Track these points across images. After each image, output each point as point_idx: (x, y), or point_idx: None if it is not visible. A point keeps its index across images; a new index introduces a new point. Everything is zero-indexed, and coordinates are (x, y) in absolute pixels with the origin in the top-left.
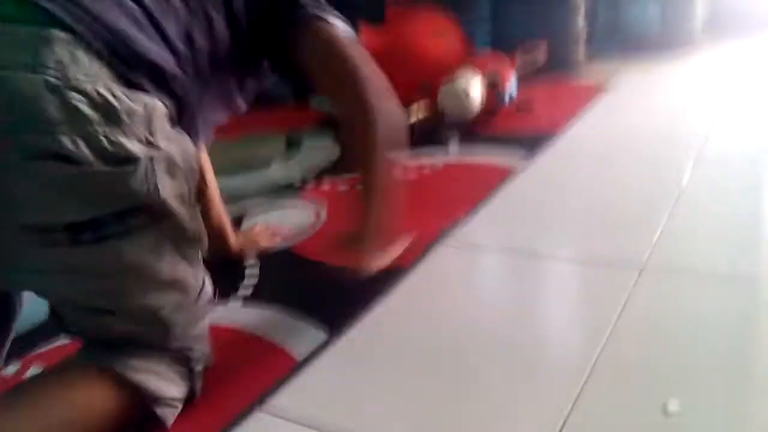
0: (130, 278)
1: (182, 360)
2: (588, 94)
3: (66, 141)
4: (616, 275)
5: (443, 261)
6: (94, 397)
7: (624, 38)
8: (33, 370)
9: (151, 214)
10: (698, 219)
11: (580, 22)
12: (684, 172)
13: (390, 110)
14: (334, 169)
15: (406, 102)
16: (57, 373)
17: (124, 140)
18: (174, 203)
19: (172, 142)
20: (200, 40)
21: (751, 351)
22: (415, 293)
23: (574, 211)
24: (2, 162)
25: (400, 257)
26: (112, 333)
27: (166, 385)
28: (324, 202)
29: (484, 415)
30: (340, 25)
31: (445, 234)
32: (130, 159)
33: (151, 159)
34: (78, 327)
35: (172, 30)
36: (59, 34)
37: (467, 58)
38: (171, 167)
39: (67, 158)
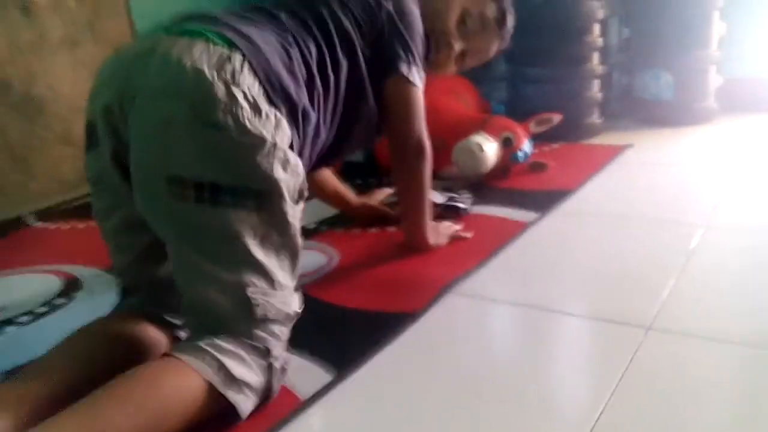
0: (229, 245)
1: (262, 352)
2: (602, 157)
3: (221, 114)
4: (622, 333)
5: (453, 309)
6: (185, 378)
7: (638, 105)
8: None
9: (260, 200)
10: (706, 283)
11: (596, 87)
12: (693, 236)
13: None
14: (347, 220)
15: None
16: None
17: (258, 125)
18: (282, 188)
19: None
20: (332, 86)
21: (755, 420)
22: (423, 340)
23: (584, 268)
24: (178, 120)
25: (410, 303)
26: (207, 305)
27: (247, 370)
28: (337, 246)
29: None
30: (417, 82)
31: (456, 283)
32: (260, 138)
33: (274, 145)
34: (182, 296)
35: (309, 78)
36: (237, 56)
37: (483, 117)
38: (284, 162)
39: (217, 126)
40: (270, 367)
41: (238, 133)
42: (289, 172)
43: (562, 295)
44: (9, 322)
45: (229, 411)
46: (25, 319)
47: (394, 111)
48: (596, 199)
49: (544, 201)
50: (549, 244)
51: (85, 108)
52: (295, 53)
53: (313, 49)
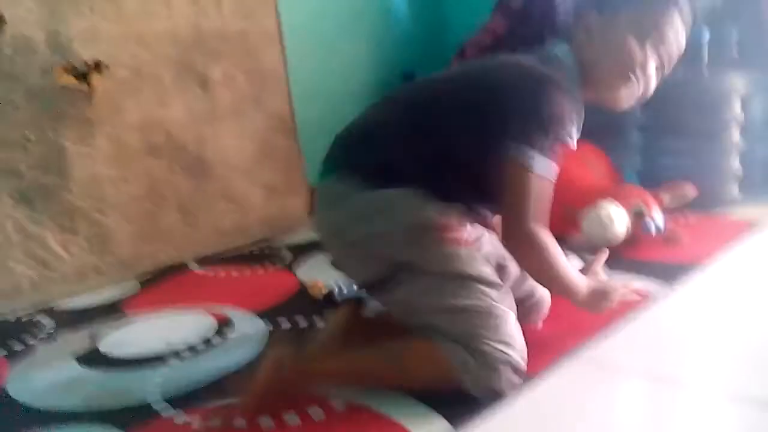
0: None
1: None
2: (738, 232)
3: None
4: (748, 412)
5: (573, 376)
6: (421, 358)
7: None
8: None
9: None
10: None
11: (734, 159)
12: None
13: None
14: None
15: (553, 228)
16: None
17: None
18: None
19: None
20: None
21: None
22: (541, 405)
23: (715, 343)
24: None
25: (532, 365)
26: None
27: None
28: None
29: None
30: (535, 166)
31: (578, 350)
32: None
33: None
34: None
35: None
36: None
37: (614, 187)
38: None
39: None
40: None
41: None
42: None
43: (686, 369)
44: (174, 355)
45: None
46: (187, 354)
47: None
48: (730, 273)
49: (675, 273)
50: (678, 317)
51: None
52: None
53: None
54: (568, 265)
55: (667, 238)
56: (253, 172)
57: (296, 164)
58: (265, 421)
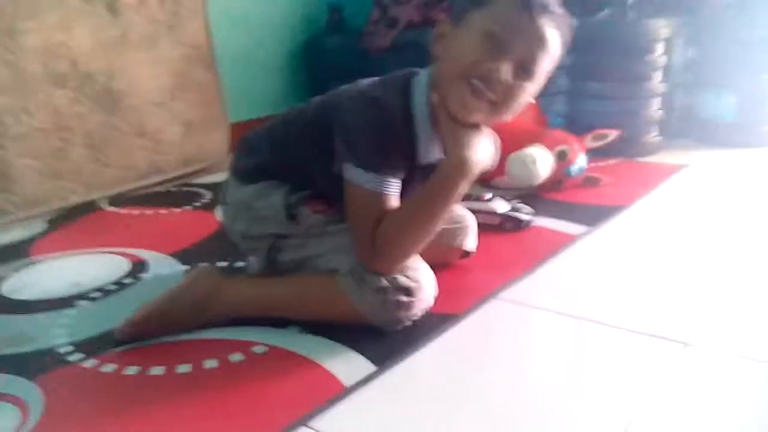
0: None
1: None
2: (659, 176)
3: None
4: (660, 347)
5: (495, 314)
6: (319, 287)
7: (699, 125)
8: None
9: None
10: (752, 306)
11: (656, 105)
12: (745, 258)
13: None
14: None
15: None
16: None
17: None
18: None
19: None
20: None
21: None
22: (464, 341)
23: (629, 282)
24: None
25: (454, 306)
26: None
27: None
28: None
29: None
30: (359, 180)
31: (501, 289)
32: None
33: None
34: None
35: None
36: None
37: (539, 130)
38: None
39: None
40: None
41: None
42: None
43: (604, 308)
44: (82, 297)
45: None
46: (96, 294)
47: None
48: (649, 216)
49: (595, 215)
50: (597, 257)
51: None
52: None
53: None
54: (417, 202)
55: (589, 181)
56: (169, 105)
57: (215, 98)
58: (183, 368)
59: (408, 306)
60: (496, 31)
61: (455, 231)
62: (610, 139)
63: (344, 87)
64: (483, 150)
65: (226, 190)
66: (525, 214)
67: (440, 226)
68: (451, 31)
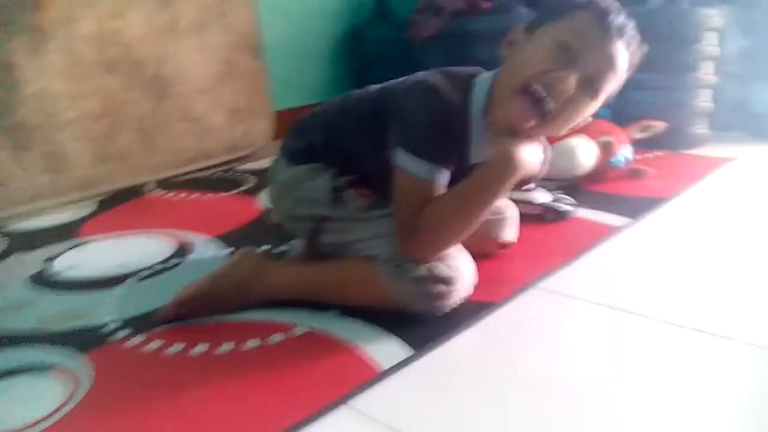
0: None
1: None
2: (706, 168)
3: None
4: (700, 341)
5: (534, 304)
6: (357, 272)
7: (750, 119)
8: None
9: None
10: None
11: (706, 97)
12: None
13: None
14: None
15: None
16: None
17: None
18: None
19: None
20: None
21: None
22: (501, 329)
23: (670, 275)
24: None
25: (492, 294)
26: None
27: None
28: None
29: None
30: (410, 168)
31: (541, 279)
32: None
33: None
34: None
35: None
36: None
37: (584, 121)
38: None
39: None
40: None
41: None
42: None
43: (643, 299)
44: (130, 276)
45: None
46: (144, 274)
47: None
48: (691, 209)
49: (637, 207)
50: (639, 249)
51: None
52: None
53: None
54: (460, 194)
55: (633, 173)
56: (216, 92)
57: (261, 86)
58: (225, 347)
59: (446, 295)
60: (569, 43)
61: (496, 222)
62: (656, 130)
63: (404, 78)
64: (530, 153)
65: (275, 170)
66: (566, 204)
67: (482, 219)
68: (524, 38)
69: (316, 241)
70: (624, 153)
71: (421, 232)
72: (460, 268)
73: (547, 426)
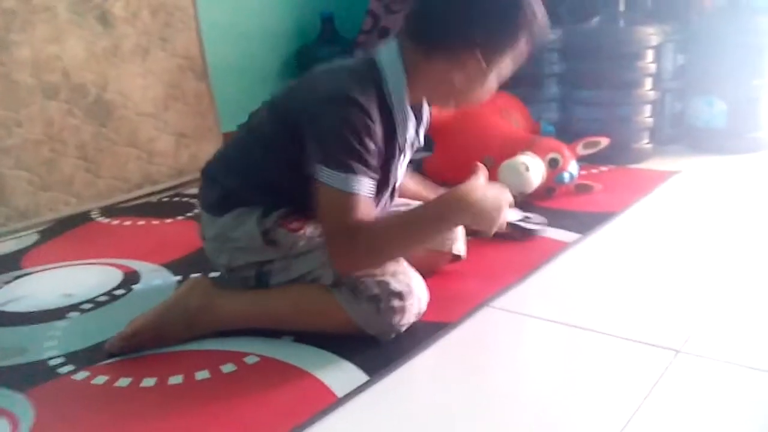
0: None
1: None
2: (650, 182)
3: None
4: (652, 354)
5: (488, 322)
6: (313, 297)
7: (690, 132)
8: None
9: None
10: (745, 313)
11: (647, 112)
12: (738, 266)
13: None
14: None
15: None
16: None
17: None
18: None
19: None
20: None
21: None
22: (456, 348)
23: (621, 289)
24: None
25: (447, 314)
26: None
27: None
28: None
29: None
30: (331, 181)
31: (495, 297)
32: None
33: None
34: None
35: None
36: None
37: (531, 137)
38: None
39: None
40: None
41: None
42: None
43: (596, 315)
44: (74, 308)
45: None
46: (88, 306)
47: None
48: (640, 223)
49: (587, 222)
50: (589, 264)
51: None
52: None
53: None
54: (410, 218)
55: (579, 188)
56: (161, 116)
57: (207, 108)
58: (175, 379)
59: (402, 310)
60: (509, 73)
61: (449, 234)
62: (601, 146)
63: (299, 83)
64: (487, 197)
65: (203, 227)
66: (535, 224)
67: (428, 242)
68: (482, 70)
69: (263, 285)
70: (571, 169)
71: (360, 246)
72: (411, 284)
73: None
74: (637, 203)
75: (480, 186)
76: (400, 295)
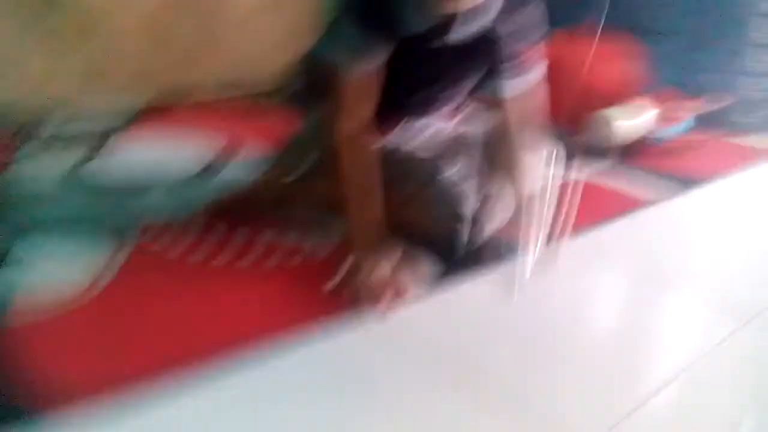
0: None
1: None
2: (749, 157)
3: None
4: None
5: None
6: None
7: None
8: None
9: None
10: None
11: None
12: None
13: None
14: None
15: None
16: None
17: None
18: None
19: None
20: None
21: None
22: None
23: (688, 254)
24: None
25: None
26: None
27: None
28: None
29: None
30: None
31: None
32: None
33: None
34: None
35: None
36: None
37: (632, 91)
38: None
39: None
40: None
41: None
42: None
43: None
44: (164, 181)
45: None
46: (184, 177)
47: None
48: (724, 196)
49: (671, 185)
50: (659, 228)
51: None
52: None
53: None
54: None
55: (676, 150)
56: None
57: None
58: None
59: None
60: None
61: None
62: (717, 106)
63: None
64: (370, 281)
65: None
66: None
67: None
68: None
69: None
70: (671, 129)
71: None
72: None
73: None
74: (727, 175)
75: (376, 268)
76: None
